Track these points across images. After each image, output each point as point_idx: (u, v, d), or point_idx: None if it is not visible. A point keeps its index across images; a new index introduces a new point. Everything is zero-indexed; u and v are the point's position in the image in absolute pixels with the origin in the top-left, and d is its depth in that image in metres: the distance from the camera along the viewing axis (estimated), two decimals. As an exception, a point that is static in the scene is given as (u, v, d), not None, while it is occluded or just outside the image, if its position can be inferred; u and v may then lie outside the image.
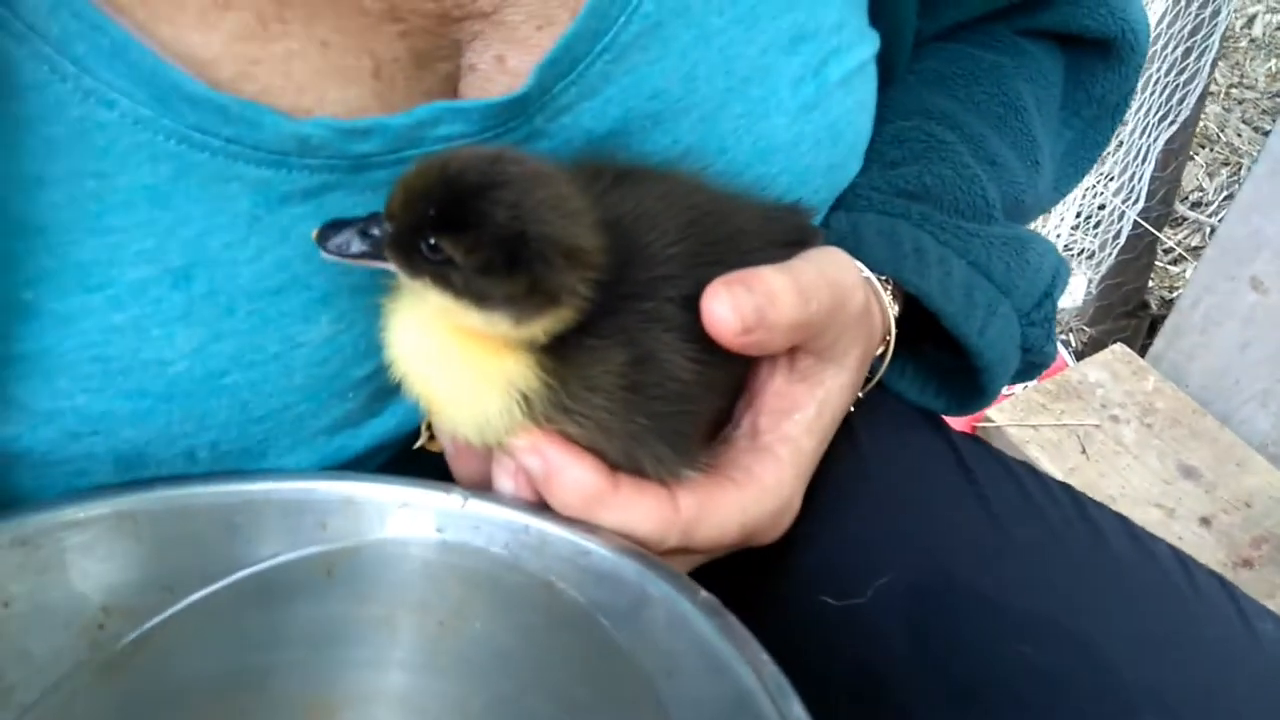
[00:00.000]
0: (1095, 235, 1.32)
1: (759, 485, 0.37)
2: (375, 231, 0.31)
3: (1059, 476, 1.10)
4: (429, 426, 0.39)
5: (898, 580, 0.39)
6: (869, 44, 0.47)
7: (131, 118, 0.30)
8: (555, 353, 0.33)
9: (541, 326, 0.32)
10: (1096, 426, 1.09)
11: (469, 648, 0.33)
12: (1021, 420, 1.10)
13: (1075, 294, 1.34)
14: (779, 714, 0.26)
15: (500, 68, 0.38)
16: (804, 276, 0.36)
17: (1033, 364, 0.55)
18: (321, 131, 0.33)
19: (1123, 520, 0.43)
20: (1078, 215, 1.30)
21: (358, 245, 0.31)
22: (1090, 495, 1.08)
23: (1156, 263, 1.49)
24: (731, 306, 0.34)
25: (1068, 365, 1.19)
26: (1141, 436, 1.08)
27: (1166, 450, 1.07)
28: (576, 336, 0.33)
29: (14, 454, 0.32)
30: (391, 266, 0.32)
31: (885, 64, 0.54)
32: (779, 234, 0.39)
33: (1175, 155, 1.25)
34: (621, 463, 0.34)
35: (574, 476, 0.34)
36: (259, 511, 0.34)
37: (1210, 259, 1.11)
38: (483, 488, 0.36)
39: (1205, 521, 1.02)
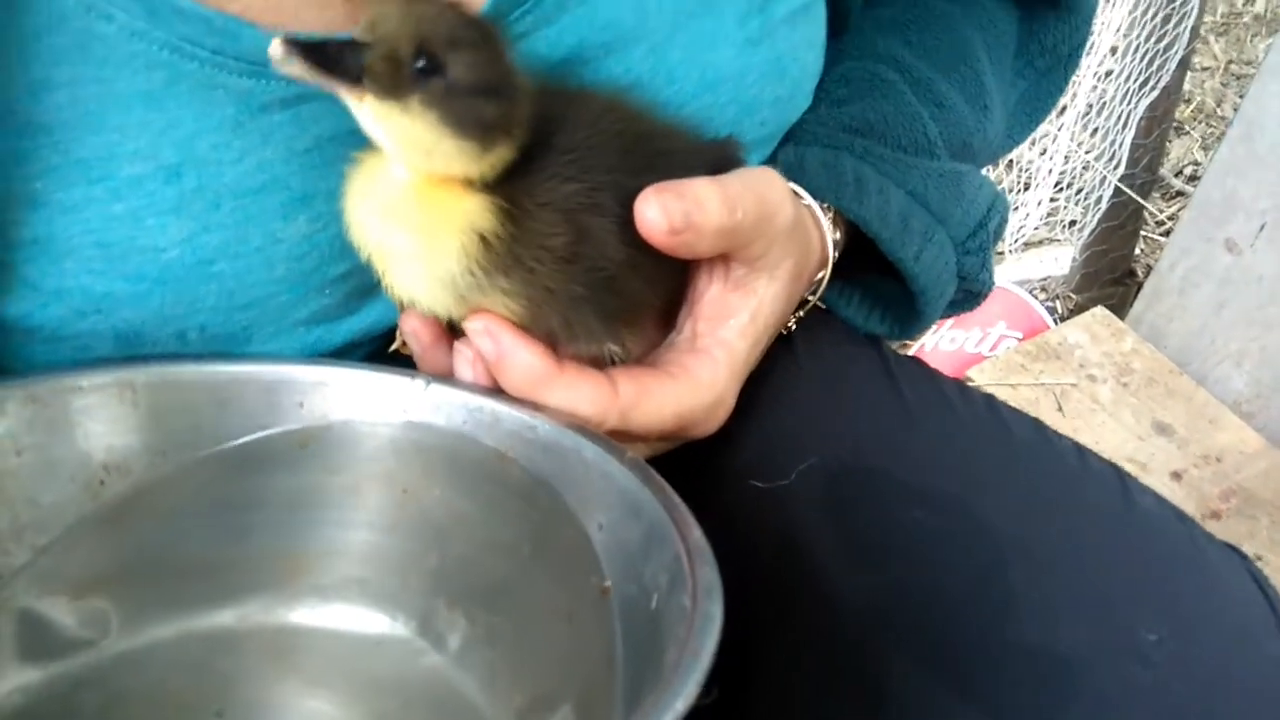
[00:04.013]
0: (1080, 203, 1.34)
1: (694, 381, 0.41)
2: (348, 54, 0.32)
3: (1035, 432, 1.11)
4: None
5: (818, 465, 0.43)
6: None
7: (128, 30, 0.34)
8: (508, 200, 0.37)
9: (497, 157, 0.36)
10: (1073, 385, 1.12)
11: (429, 511, 0.37)
12: (1001, 379, 1.13)
13: (1061, 261, 1.36)
14: (682, 539, 0.30)
15: None
16: (731, 188, 0.40)
17: (970, 293, 0.58)
18: None
19: (1034, 421, 0.46)
20: (1057, 185, 1.33)
21: (329, 64, 0.32)
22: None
23: (1149, 234, 1.52)
24: (661, 210, 0.37)
25: (1049, 328, 1.22)
26: (1118, 395, 1.11)
27: (1141, 408, 1.10)
28: (525, 197, 0.37)
29: (27, 329, 0.36)
30: (358, 91, 0.32)
31: (839, 10, 0.58)
32: (704, 160, 0.43)
33: (1158, 123, 1.27)
34: (560, 331, 0.38)
35: (523, 359, 0.38)
36: (243, 389, 0.38)
37: (1188, 222, 1.14)
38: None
39: (1176, 476, 1.05)
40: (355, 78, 0.33)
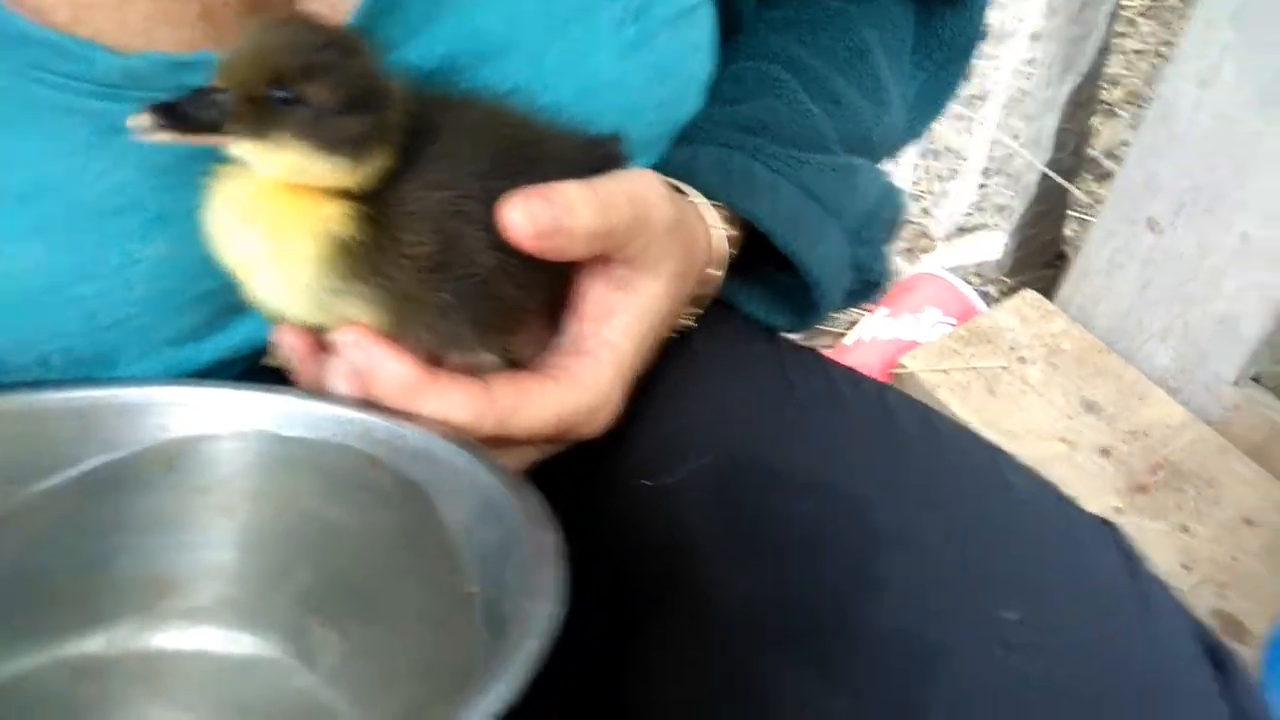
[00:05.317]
0: (1009, 189, 1.36)
1: (576, 383, 0.41)
2: (207, 105, 0.33)
3: (966, 416, 1.14)
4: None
5: (706, 462, 0.44)
6: None
7: None
8: (371, 208, 0.37)
9: (372, 167, 0.36)
10: (1004, 368, 1.13)
11: (298, 527, 0.37)
12: (934, 365, 1.15)
13: (994, 247, 1.38)
14: (536, 542, 0.30)
15: (332, 9, 0.41)
16: (604, 189, 0.40)
17: (869, 283, 0.59)
18: (148, 64, 0.36)
19: (922, 408, 0.47)
20: (985, 171, 1.35)
21: (192, 121, 0.33)
22: (994, 431, 1.12)
23: (1080, 215, 1.54)
24: (526, 214, 0.37)
25: (981, 312, 1.24)
26: (1047, 376, 1.13)
27: (1071, 387, 1.12)
28: (390, 205, 0.37)
29: None
30: (227, 139, 0.34)
31: (733, 11, 0.58)
32: (584, 161, 0.43)
33: (1083, 107, 1.29)
34: (430, 340, 0.38)
35: (393, 369, 0.38)
36: (101, 413, 0.37)
37: (1111, 203, 1.15)
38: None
39: (1105, 452, 1.07)
40: (220, 126, 0.33)
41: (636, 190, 0.42)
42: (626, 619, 0.41)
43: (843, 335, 1.31)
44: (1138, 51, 2.06)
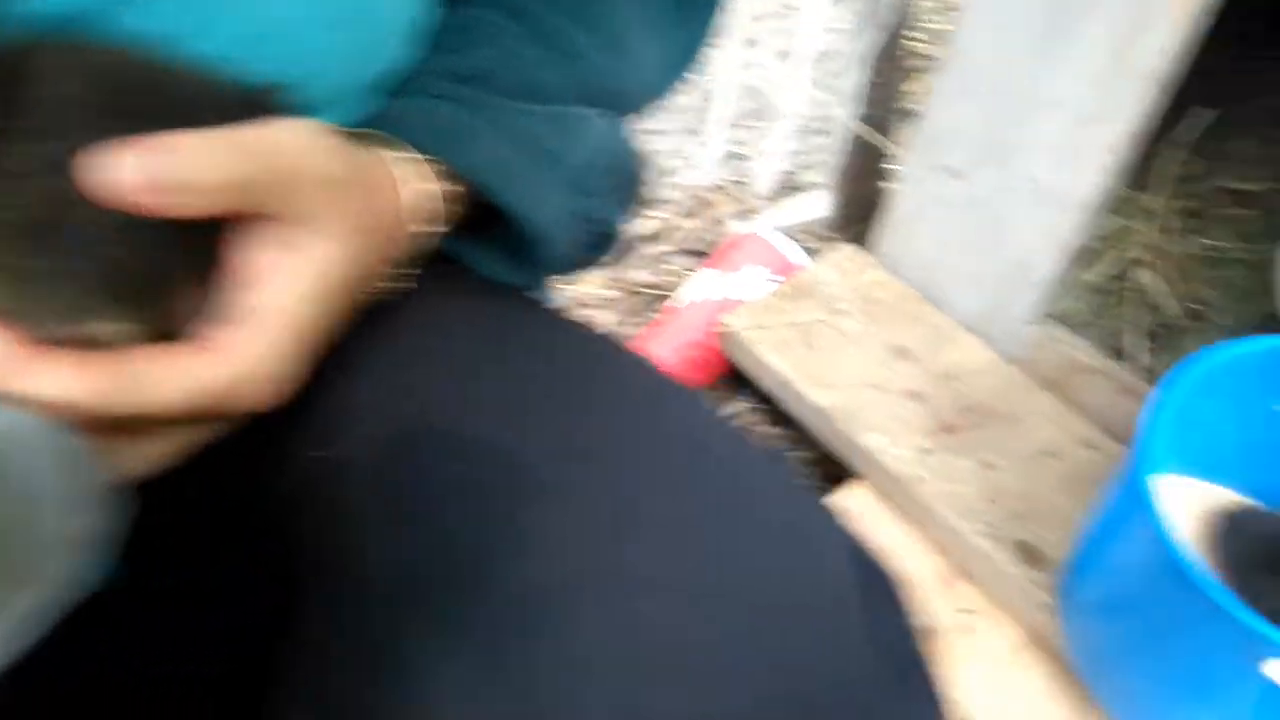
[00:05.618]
0: (828, 147, 1.38)
1: (223, 353, 0.38)
2: None
3: (786, 370, 1.15)
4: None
5: (381, 430, 0.41)
6: None
7: None
8: None
9: None
10: (822, 321, 1.15)
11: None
12: (756, 323, 1.16)
13: (818, 204, 1.40)
14: (83, 524, 0.28)
15: None
16: (236, 140, 0.37)
17: (603, 234, 0.57)
18: None
19: (637, 362, 0.46)
20: (803, 130, 1.36)
21: None
22: (813, 383, 1.12)
23: (898, 168, 1.58)
24: (134, 168, 0.34)
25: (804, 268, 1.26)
26: (862, 326, 1.15)
27: (884, 336, 1.15)
28: None
29: None
30: None
31: None
32: (232, 112, 0.39)
33: (892, 62, 1.31)
34: (40, 312, 0.35)
35: None
36: None
37: (917, 153, 1.18)
38: None
39: (915, 396, 1.09)
40: None
41: (283, 141, 0.39)
42: (294, 596, 0.39)
43: (669, 297, 1.31)
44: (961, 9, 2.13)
